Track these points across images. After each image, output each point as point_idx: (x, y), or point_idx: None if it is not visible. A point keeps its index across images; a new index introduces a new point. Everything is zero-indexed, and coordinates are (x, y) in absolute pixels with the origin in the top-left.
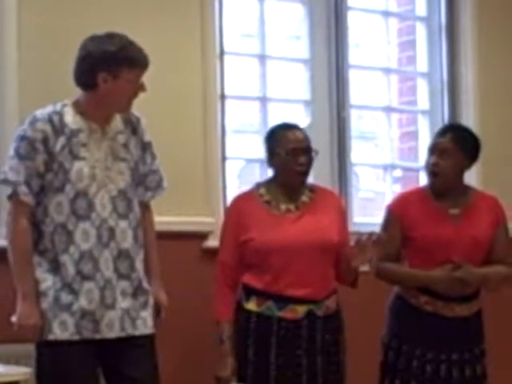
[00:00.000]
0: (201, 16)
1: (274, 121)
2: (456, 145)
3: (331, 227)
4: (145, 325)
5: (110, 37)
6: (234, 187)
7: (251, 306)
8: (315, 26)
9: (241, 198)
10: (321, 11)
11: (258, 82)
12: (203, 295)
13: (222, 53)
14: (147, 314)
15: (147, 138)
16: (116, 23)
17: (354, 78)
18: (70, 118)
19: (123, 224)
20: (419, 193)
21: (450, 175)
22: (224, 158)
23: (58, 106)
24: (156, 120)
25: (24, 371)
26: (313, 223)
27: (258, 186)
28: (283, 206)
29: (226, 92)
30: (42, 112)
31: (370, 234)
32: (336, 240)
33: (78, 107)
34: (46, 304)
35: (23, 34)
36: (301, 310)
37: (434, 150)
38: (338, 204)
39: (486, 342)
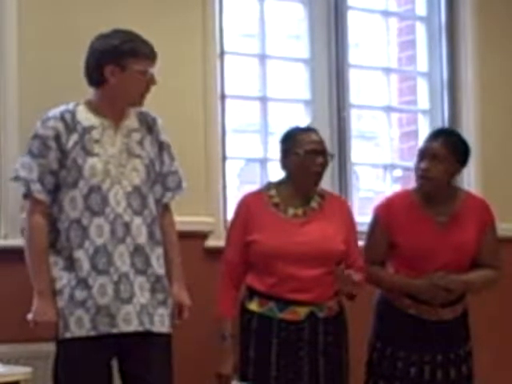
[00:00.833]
0: (201, 16)
1: (274, 120)
2: (447, 150)
3: (337, 236)
4: (162, 323)
5: (115, 32)
6: (234, 187)
7: (253, 306)
8: (315, 26)
9: (250, 198)
10: (321, 11)
11: (258, 81)
12: (204, 295)
13: (222, 52)
14: (165, 313)
15: (163, 137)
16: (117, 23)
17: (354, 77)
18: (83, 116)
19: (138, 220)
20: (406, 197)
21: (441, 181)
22: (224, 158)
23: (71, 105)
24: None
25: (24, 371)
26: (319, 231)
27: (269, 186)
28: (291, 211)
29: (227, 92)
30: (54, 111)
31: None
32: (341, 249)
33: (91, 105)
34: (62, 302)
35: (24, 33)
36: (302, 312)
37: (424, 154)
38: (347, 212)
39: (473, 342)
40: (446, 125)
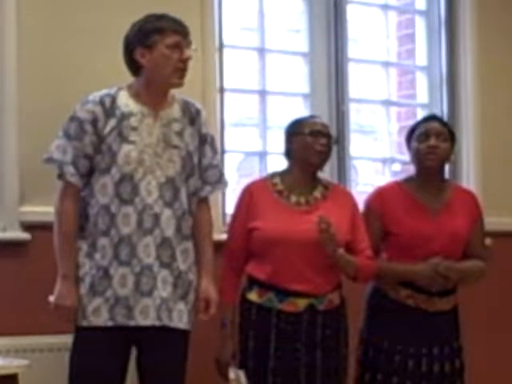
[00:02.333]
0: (200, 9)
1: (273, 114)
2: (447, 130)
3: (340, 226)
4: (180, 318)
5: (144, 17)
6: (233, 180)
7: (253, 296)
8: (314, 20)
9: (253, 186)
10: (320, 5)
11: (258, 75)
12: None
13: (221, 46)
14: (184, 308)
15: (205, 130)
16: (115, 17)
17: (353, 71)
18: (123, 101)
19: (168, 212)
20: (397, 187)
21: (445, 159)
22: (223, 151)
23: (114, 89)
24: None
25: (23, 364)
26: None
27: (273, 175)
28: (294, 198)
29: (226, 85)
30: (95, 94)
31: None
32: (344, 239)
33: (132, 90)
34: (82, 289)
35: (23, 31)
36: (301, 304)
37: (429, 133)
38: (352, 203)
39: (462, 338)
40: (445, 119)
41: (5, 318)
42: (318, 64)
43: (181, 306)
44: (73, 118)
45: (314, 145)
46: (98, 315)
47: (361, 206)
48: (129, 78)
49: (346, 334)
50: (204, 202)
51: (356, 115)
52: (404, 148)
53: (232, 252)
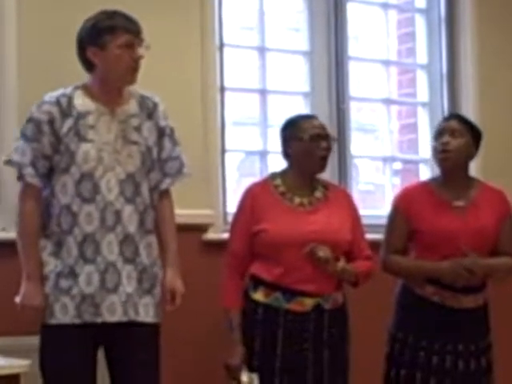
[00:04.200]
0: (200, 8)
1: (273, 113)
2: (464, 126)
3: (343, 226)
4: (147, 313)
5: (96, 13)
6: (234, 180)
7: (258, 296)
8: (315, 18)
9: (255, 188)
10: (320, 3)
11: (258, 74)
12: (203, 288)
13: (221, 45)
14: (151, 302)
15: (164, 122)
16: None
17: (353, 70)
18: (79, 101)
19: (129, 208)
20: (423, 186)
21: (461, 155)
22: (223, 151)
23: (69, 89)
24: None
25: (24, 364)
26: (326, 220)
27: (274, 176)
28: (297, 200)
29: (226, 84)
30: (50, 95)
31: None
32: (347, 239)
33: (88, 90)
34: (47, 288)
35: (23, 29)
36: (308, 303)
37: (443, 131)
38: (351, 202)
39: (492, 336)
40: None
41: (7, 318)
42: (318, 62)
43: (147, 299)
44: (30, 120)
45: (315, 151)
46: (66, 313)
47: (358, 205)
48: None
49: (348, 333)
50: (165, 194)
51: (356, 114)
52: (404, 147)
53: (235, 255)
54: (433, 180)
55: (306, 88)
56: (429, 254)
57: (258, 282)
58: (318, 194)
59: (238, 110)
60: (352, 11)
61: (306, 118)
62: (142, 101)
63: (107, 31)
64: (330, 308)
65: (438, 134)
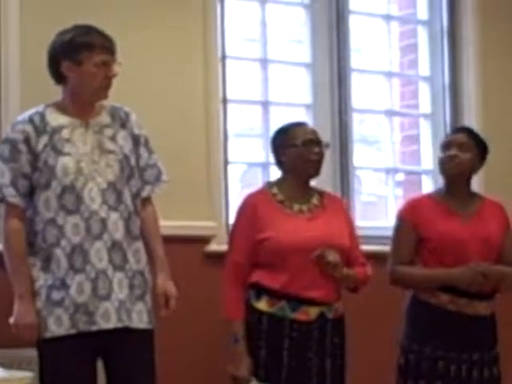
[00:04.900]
0: (203, 20)
1: (276, 125)
2: (472, 141)
3: (343, 232)
4: (140, 319)
5: (72, 27)
6: (236, 191)
7: (262, 305)
8: (317, 30)
9: (255, 197)
10: (322, 15)
11: (260, 85)
12: (205, 299)
13: (224, 57)
14: (143, 308)
15: (138, 131)
16: (117, 27)
17: (355, 81)
18: (52, 117)
19: (114, 216)
20: (427, 197)
21: (467, 168)
22: (226, 162)
23: (41, 107)
24: (158, 124)
25: (26, 376)
26: (327, 226)
27: (270, 185)
28: (296, 207)
29: (228, 96)
30: (23, 114)
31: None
32: (347, 245)
33: (59, 105)
34: (39, 303)
35: (25, 34)
36: (313, 312)
37: (450, 144)
38: (345, 209)
39: (499, 346)
40: (448, 129)
41: (7, 330)
42: (320, 74)
43: (139, 306)
44: (5, 141)
45: (308, 155)
46: (60, 325)
47: (361, 217)
48: (128, 78)
49: (345, 344)
50: (147, 201)
51: (359, 125)
52: (407, 158)
53: (237, 265)
54: (436, 192)
55: (309, 100)
56: (437, 263)
57: (261, 291)
58: (315, 200)
59: (241, 121)
60: (354, 23)
61: (297, 125)
62: (114, 111)
63: (85, 48)
64: (332, 318)
65: (446, 146)
